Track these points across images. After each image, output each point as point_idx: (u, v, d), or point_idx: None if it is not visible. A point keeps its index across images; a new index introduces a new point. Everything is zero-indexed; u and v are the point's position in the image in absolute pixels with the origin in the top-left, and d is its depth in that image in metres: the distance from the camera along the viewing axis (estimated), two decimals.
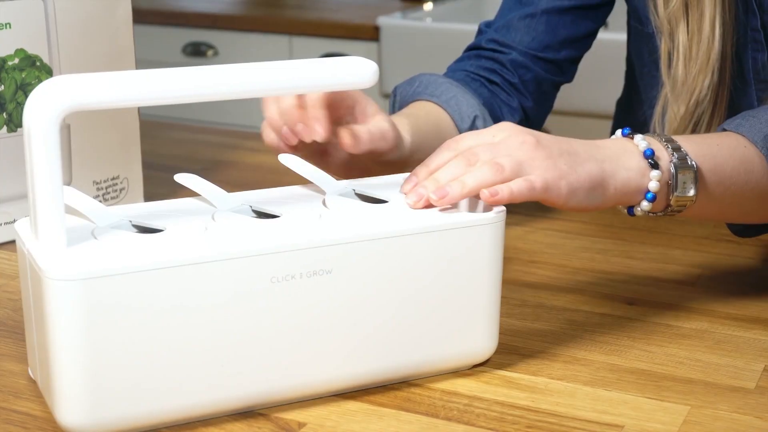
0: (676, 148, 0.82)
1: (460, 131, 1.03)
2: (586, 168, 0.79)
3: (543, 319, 0.88)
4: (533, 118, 1.14)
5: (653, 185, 0.81)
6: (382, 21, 2.42)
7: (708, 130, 1.00)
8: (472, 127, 1.04)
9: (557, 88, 1.15)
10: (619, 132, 0.84)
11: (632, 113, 1.22)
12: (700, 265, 0.99)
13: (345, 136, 0.87)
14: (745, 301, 0.91)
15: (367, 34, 2.45)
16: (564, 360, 0.81)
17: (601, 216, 1.09)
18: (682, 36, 0.98)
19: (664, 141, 0.83)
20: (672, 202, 0.82)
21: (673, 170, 0.81)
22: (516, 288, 0.93)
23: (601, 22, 1.14)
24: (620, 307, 0.90)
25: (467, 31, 2.18)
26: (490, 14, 1.18)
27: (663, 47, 1.00)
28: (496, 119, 1.09)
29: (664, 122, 1.02)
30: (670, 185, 0.82)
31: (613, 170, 0.80)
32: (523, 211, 1.11)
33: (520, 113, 1.11)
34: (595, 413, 0.74)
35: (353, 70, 0.75)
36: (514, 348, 0.82)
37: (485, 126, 1.05)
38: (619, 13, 1.16)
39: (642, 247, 1.03)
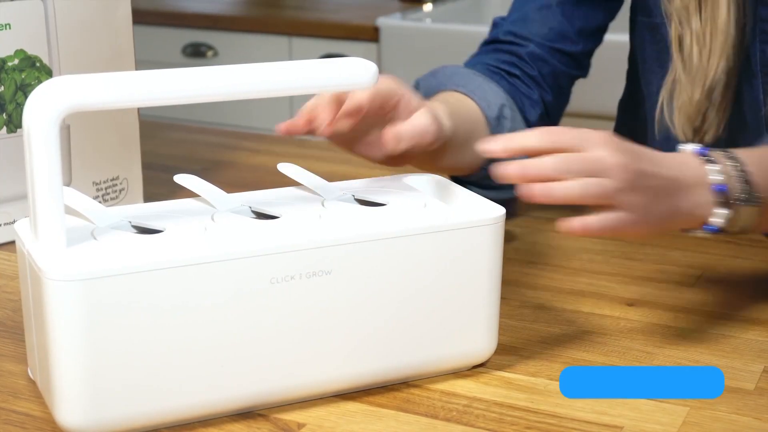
0: (746, 183, 0.82)
1: (488, 119, 1.03)
2: (661, 209, 0.80)
3: (543, 320, 0.88)
4: (552, 112, 1.14)
5: (716, 221, 0.82)
6: (382, 21, 2.42)
7: (718, 115, 1.00)
8: (500, 115, 1.04)
9: (573, 83, 1.16)
10: (698, 148, 0.84)
11: (634, 113, 1.22)
12: (699, 266, 0.99)
13: (388, 138, 0.85)
14: (744, 302, 0.91)
15: (366, 34, 2.45)
16: (563, 361, 0.81)
17: None
18: (695, 24, 0.98)
19: (739, 171, 0.83)
20: (728, 229, 0.83)
21: (738, 205, 0.82)
22: (516, 288, 0.93)
23: (613, 15, 1.15)
24: (620, 307, 0.90)
25: (467, 31, 2.18)
26: (490, 15, 1.18)
27: (673, 32, 1.00)
28: (519, 112, 1.09)
29: (672, 107, 1.01)
30: (732, 220, 0.83)
31: (684, 206, 0.81)
32: (523, 211, 1.11)
33: (541, 106, 1.11)
34: (594, 414, 0.74)
35: (353, 71, 0.75)
36: (513, 349, 0.83)
37: (512, 115, 1.06)
38: (619, 14, 1.17)
39: (642, 247, 1.03)
